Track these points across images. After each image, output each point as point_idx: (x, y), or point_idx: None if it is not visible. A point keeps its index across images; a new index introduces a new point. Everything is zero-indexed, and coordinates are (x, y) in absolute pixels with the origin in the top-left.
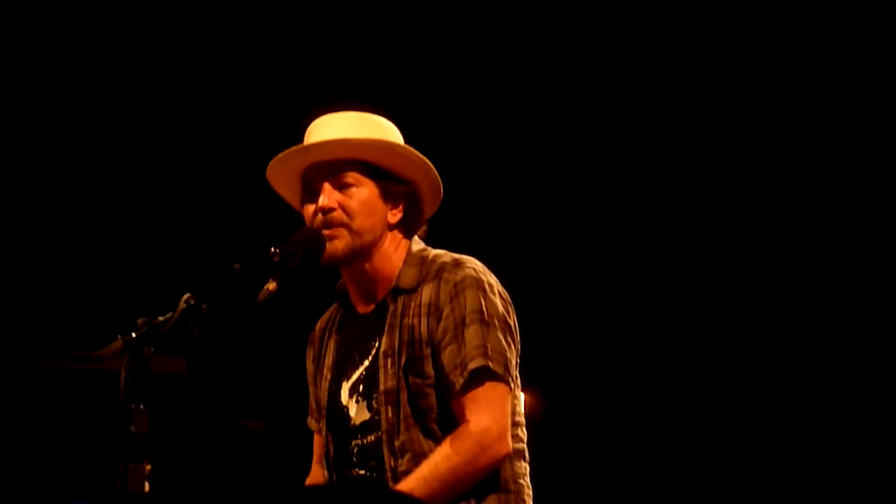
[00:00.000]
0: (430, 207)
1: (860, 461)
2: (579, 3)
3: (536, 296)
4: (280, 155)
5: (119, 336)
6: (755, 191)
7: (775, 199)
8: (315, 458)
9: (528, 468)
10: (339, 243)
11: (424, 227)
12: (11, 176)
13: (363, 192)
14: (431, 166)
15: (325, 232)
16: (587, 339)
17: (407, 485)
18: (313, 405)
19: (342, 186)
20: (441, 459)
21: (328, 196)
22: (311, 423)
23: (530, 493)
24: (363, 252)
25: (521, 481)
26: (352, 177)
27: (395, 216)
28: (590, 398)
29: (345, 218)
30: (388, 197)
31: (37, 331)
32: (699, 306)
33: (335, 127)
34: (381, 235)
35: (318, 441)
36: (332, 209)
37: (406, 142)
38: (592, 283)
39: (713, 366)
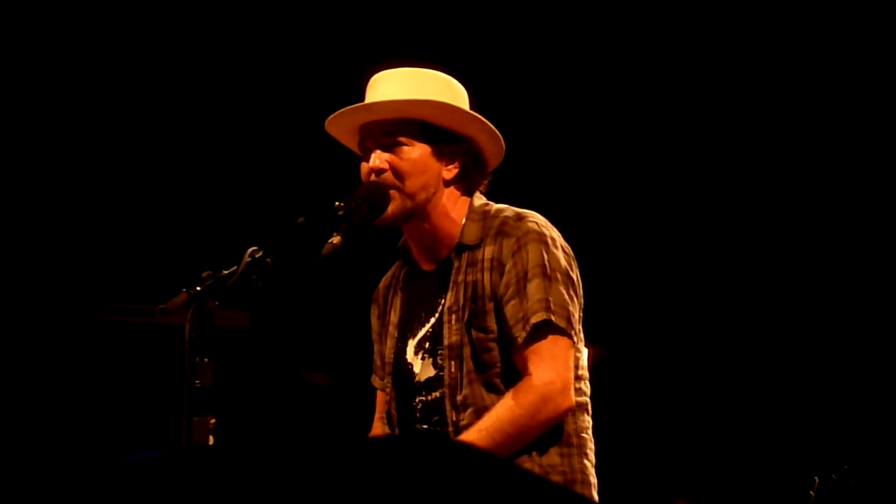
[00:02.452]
0: (492, 161)
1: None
2: None
3: (598, 251)
4: (333, 115)
5: (183, 290)
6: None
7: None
8: (377, 416)
9: (591, 422)
10: (391, 205)
11: (486, 181)
12: (78, 127)
13: (414, 151)
14: (486, 122)
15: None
16: (648, 296)
17: (469, 436)
18: (378, 363)
19: (393, 146)
20: (503, 412)
21: (378, 157)
22: (376, 380)
23: (593, 447)
24: (417, 212)
25: (584, 435)
26: (402, 136)
27: (450, 172)
28: (650, 354)
29: (395, 179)
30: (442, 154)
31: (101, 285)
32: (763, 263)
33: (390, 85)
34: (435, 194)
35: (381, 398)
36: (382, 170)
37: (470, 95)
38: (655, 240)
39: (775, 322)
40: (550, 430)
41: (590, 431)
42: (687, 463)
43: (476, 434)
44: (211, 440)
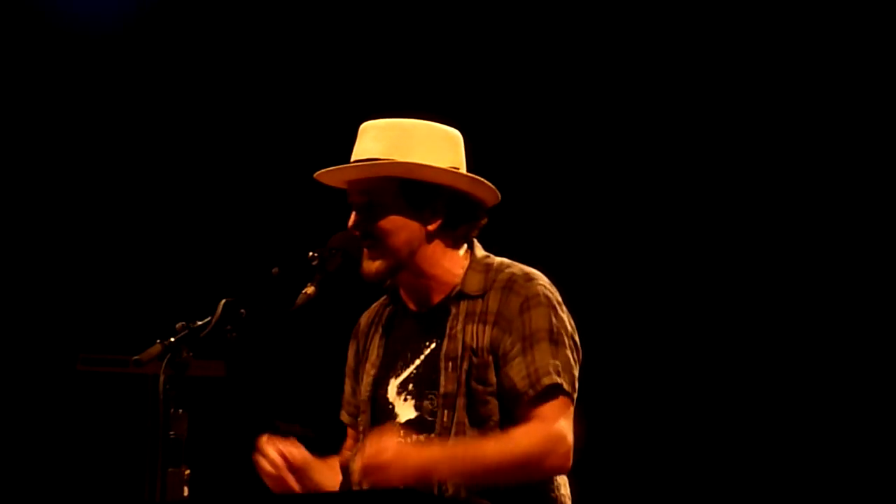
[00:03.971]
0: (485, 203)
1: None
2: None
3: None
4: (316, 173)
5: (158, 340)
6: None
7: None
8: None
9: (566, 482)
10: (372, 264)
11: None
12: (49, 178)
13: (391, 210)
14: (461, 174)
15: (365, 250)
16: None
17: (484, 445)
18: (348, 398)
19: (370, 206)
20: (520, 438)
21: (356, 217)
22: (344, 416)
23: None
24: (404, 266)
25: (563, 491)
26: (378, 195)
27: (433, 224)
28: (629, 418)
29: (374, 240)
30: (421, 209)
31: (75, 335)
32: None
33: (368, 140)
34: (420, 247)
35: (351, 435)
36: (363, 230)
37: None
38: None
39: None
40: (538, 490)
41: (567, 488)
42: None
43: (492, 444)
44: (185, 492)
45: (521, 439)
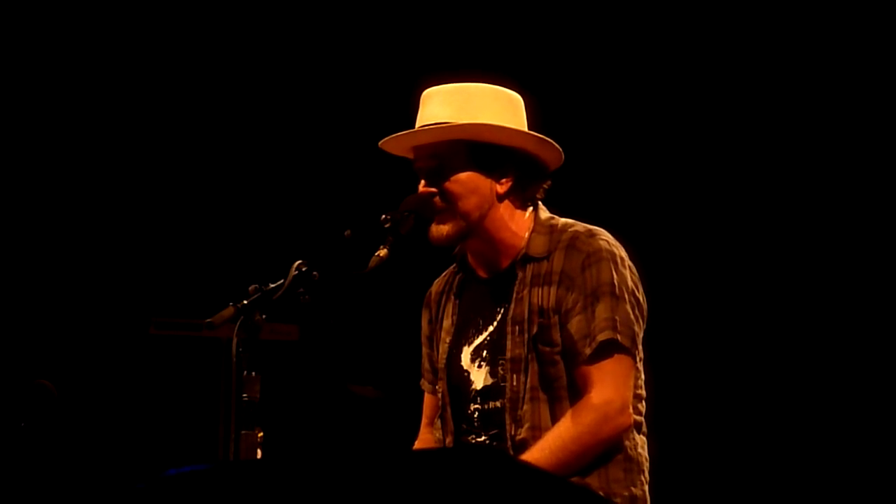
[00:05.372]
0: (550, 165)
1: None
2: None
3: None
4: (382, 140)
5: (230, 303)
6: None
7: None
8: (425, 420)
9: (645, 441)
10: (444, 228)
11: (546, 186)
12: (121, 144)
13: (462, 172)
14: (531, 134)
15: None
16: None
17: (532, 455)
18: (426, 366)
19: (440, 169)
20: (565, 430)
21: (427, 182)
22: (424, 384)
23: (648, 465)
24: (474, 230)
25: (641, 451)
26: (448, 159)
27: (503, 186)
28: (699, 378)
29: (446, 203)
30: (492, 171)
31: (148, 299)
32: (818, 293)
33: (435, 105)
34: (490, 209)
35: (429, 402)
36: (433, 194)
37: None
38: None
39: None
40: (612, 447)
41: (644, 449)
42: None
43: (539, 452)
44: (259, 454)
45: (568, 429)
